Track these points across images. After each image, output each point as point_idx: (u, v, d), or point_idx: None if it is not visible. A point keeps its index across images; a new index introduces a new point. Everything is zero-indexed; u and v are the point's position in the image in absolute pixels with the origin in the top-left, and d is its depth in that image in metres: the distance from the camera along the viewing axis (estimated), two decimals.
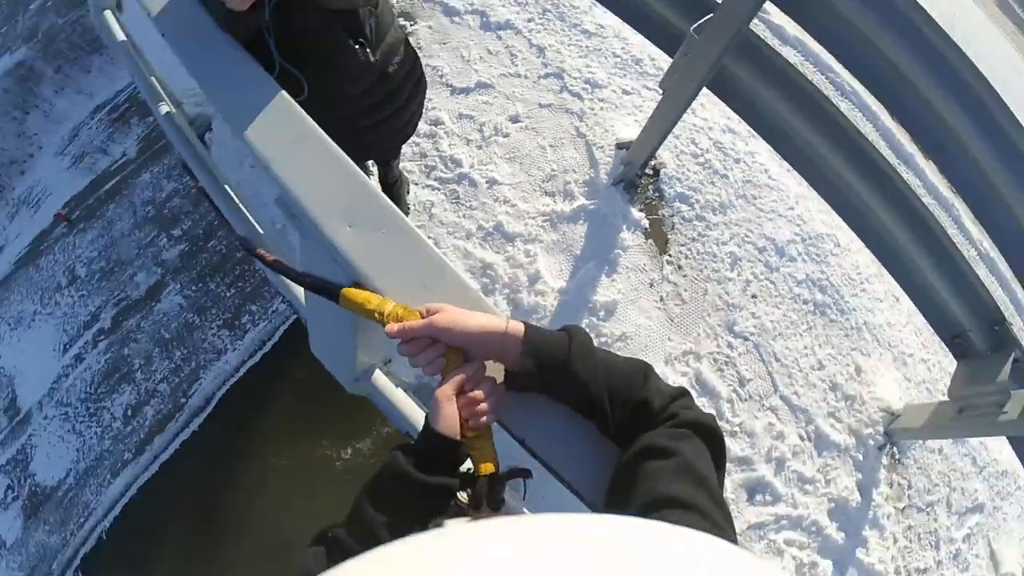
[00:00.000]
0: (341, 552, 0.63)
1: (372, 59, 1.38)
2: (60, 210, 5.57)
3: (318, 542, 0.66)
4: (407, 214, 2.44)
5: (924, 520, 3.03)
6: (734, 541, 0.55)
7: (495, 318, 0.72)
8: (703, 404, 2.57)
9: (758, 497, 2.66)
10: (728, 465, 2.56)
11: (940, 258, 2.43)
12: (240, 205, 1.61)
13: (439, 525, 0.62)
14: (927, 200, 3.00)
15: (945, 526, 3.11)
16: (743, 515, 2.63)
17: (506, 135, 2.55)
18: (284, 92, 1.01)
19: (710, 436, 0.65)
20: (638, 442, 0.63)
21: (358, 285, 0.80)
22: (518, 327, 0.70)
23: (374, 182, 2.37)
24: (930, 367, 3.17)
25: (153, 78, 2.26)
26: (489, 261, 2.36)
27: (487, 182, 2.45)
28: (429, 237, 2.42)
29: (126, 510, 4.65)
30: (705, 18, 1.99)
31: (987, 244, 3.06)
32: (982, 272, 3.09)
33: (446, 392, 0.69)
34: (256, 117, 0.97)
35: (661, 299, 2.53)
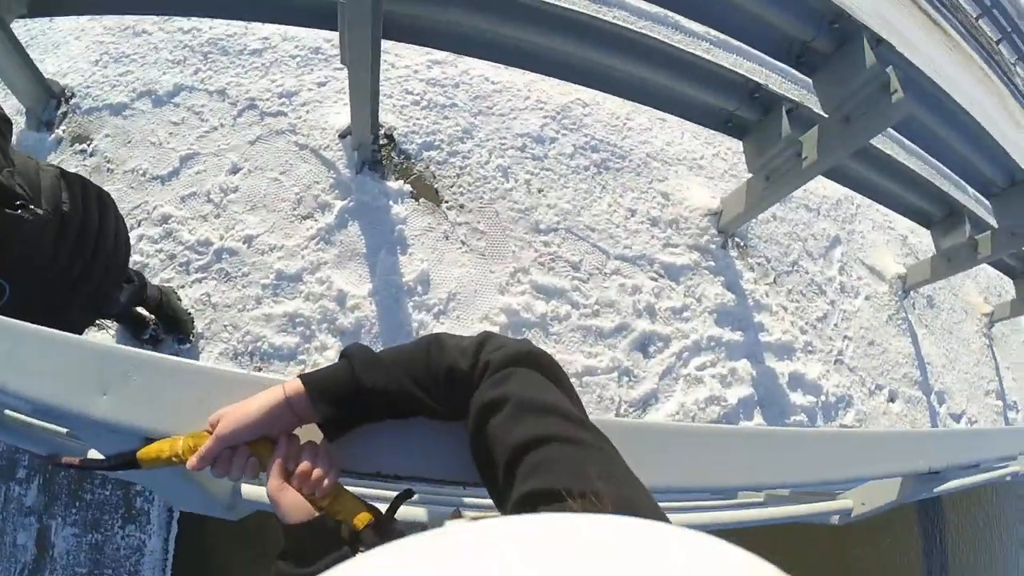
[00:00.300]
0: None
1: (40, 210, 1.31)
2: None
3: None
4: (191, 320, 2.36)
5: (797, 279, 3.29)
6: (609, 452, 0.55)
7: (271, 391, 0.67)
8: (555, 307, 2.65)
9: (651, 348, 2.81)
10: (610, 339, 2.67)
11: (676, 69, 2.54)
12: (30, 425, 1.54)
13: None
14: (638, 25, 3.09)
15: (818, 272, 3.37)
16: (650, 370, 2.77)
17: (235, 189, 2.46)
18: None
19: (531, 360, 0.63)
20: (470, 409, 0.61)
21: (148, 440, 0.77)
22: (295, 384, 0.66)
23: (104, 335, 2.26)
24: (723, 157, 3.36)
25: None
26: (292, 310, 2.32)
27: (244, 242, 2.37)
28: (225, 326, 2.38)
29: None
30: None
31: (714, 33, 3.18)
32: (723, 58, 3.24)
33: (274, 484, 0.66)
34: None
35: (462, 243, 2.57)
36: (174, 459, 0.73)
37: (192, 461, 0.67)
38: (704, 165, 3.30)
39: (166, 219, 2.40)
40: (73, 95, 2.66)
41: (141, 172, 2.49)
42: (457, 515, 0.84)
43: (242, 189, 2.45)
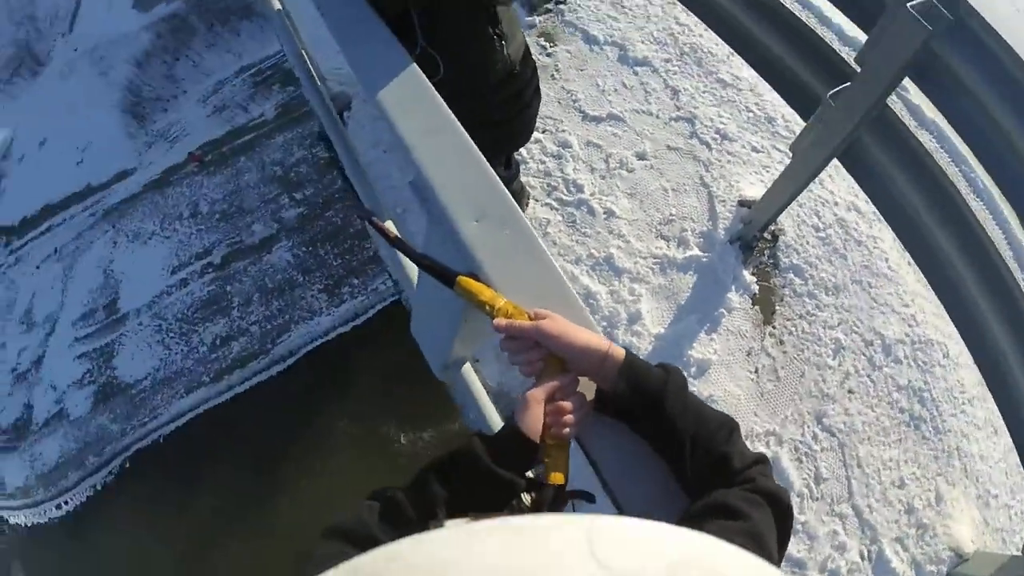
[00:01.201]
0: (396, 512, 0.64)
1: (507, 53, 1.42)
2: (195, 150, 6.14)
3: (375, 498, 0.68)
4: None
5: None
6: None
7: (599, 338, 0.72)
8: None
9: None
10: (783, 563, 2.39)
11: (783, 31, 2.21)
12: (370, 182, 1.68)
13: (439, 525, 0.61)
14: None
15: None
16: None
17: (631, 170, 2.53)
18: (431, 85, 1.05)
19: (782, 512, 0.63)
20: (710, 496, 0.62)
21: (474, 276, 0.82)
22: (620, 351, 0.70)
23: None
24: (1012, 515, 2.82)
25: (304, 51, 2.44)
26: (593, 290, 2.36)
27: (605, 213, 2.46)
28: None
29: (188, 426, 5.03)
30: (843, 86, 1.89)
31: None
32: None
33: (537, 395, 0.70)
34: (402, 105, 1.02)
35: (756, 371, 2.41)
36: (487, 306, 0.76)
37: (501, 322, 0.74)
38: (991, 505, 2.75)
39: (565, 145, 2.52)
40: (565, 1, 2.88)
41: (574, 98, 2.65)
42: None
43: (636, 174, 2.51)
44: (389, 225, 1.11)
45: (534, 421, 0.69)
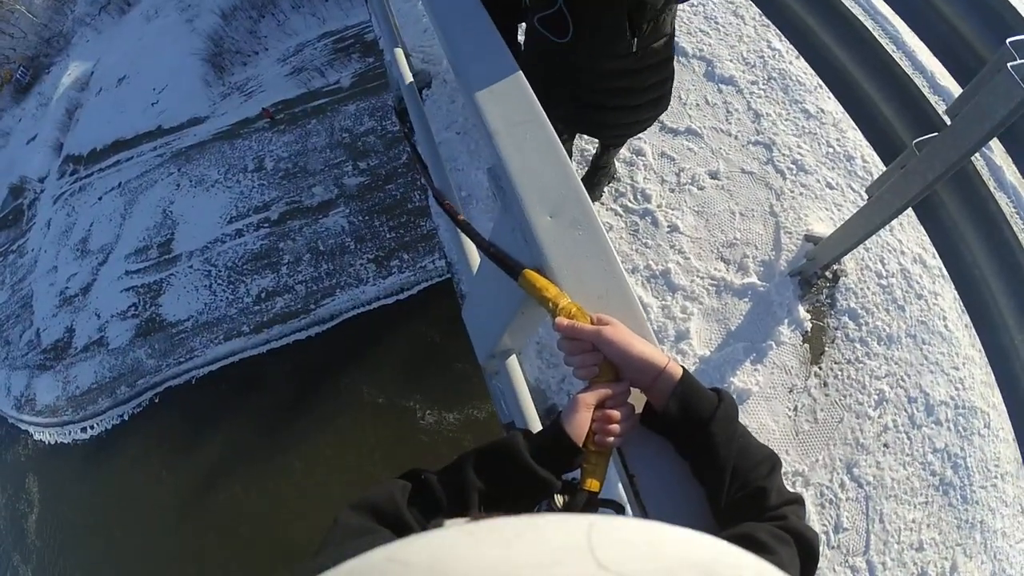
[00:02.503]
0: (428, 495, 0.65)
1: (632, 49, 1.43)
2: (268, 107, 6.31)
3: (408, 478, 0.68)
4: (597, 201, 2.49)
5: None
6: None
7: (659, 352, 0.72)
8: None
9: None
10: None
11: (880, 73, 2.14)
12: (442, 161, 1.71)
13: (438, 524, 0.60)
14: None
15: None
16: None
17: (701, 187, 2.51)
18: (522, 74, 1.05)
19: (808, 555, 0.63)
20: (739, 527, 0.62)
21: (539, 271, 0.82)
22: (677, 370, 0.70)
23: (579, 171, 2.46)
24: None
25: (394, 24, 2.48)
26: (645, 302, 2.35)
27: (669, 226, 2.45)
28: None
29: (221, 371, 5.22)
30: (930, 135, 1.84)
31: None
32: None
33: (588, 400, 0.70)
34: (493, 91, 1.02)
35: (795, 408, 2.37)
36: (551, 303, 0.76)
37: (563, 321, 0.74)
38: None
39: (639, 153, 2.52)
40: None
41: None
42: None
43: (706, 192, 2.48)
44: (454, 208, 1.13)
45: (580, 425, 0.69)
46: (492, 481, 0.66)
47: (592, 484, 0.71)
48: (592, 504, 0.71)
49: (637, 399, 0.74)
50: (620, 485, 0.87)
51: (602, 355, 0.72)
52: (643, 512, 0.73)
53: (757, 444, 0.70)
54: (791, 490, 0.69)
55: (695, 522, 0.70)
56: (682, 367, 0.71)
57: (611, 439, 0.70)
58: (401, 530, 0.60)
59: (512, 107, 0.99)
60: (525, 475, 0.67)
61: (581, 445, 0.69)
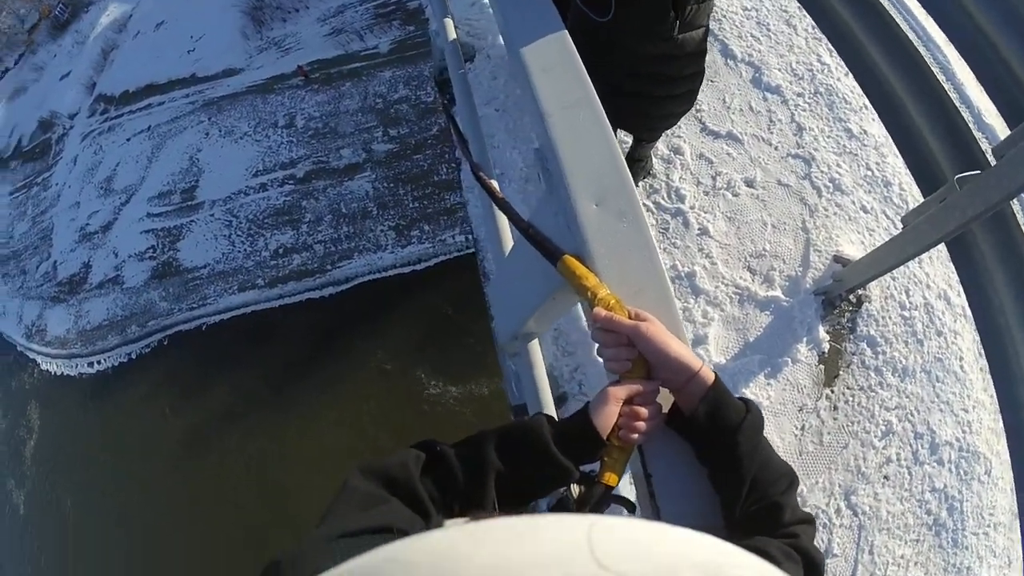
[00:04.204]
0: (444, 468, 0.64)
1: (675, 33, 1.42)
2: (304, 65, 6.30)
3: (422, 448, 0.67)
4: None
5: None
6: None
7: (693, 355, 0.72)
8: None
9: None
10: None
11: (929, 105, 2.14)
12: (483, 135, 1.69)
13: (439, 524, 0.59)
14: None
15: None
16: None
17: (736, 194, 2.49)
18: (579, 58, 1.01)
19: (813, 574, 0.63)
20: (750, 540, 0.62)
21: (578, 258, 0.81)
22: (709, 375, 0.70)
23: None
24: None
25: None
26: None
27: (699, 229, 2.44)
28: None
29: (233, 321, 5.28)
30: (973, 173, 1.80)
31: None
32: None
33: (618, 394, 0.70)
34: (548, 71, 0.99)
35: (802, 428, 2.35)
36: (590, 294, 0.75)
37: (601, 312, 0.73)
38: None
39: (677, 151, 2.50)
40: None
41: (698, 107, 2.63)
42: None
43: (740, 200, 2.46)
44: (493, 185, 1.11)
45: (608, 418, 0.69)
46: (511, 463, 0.66)
47: (611, 478, 0.70)
48: (606, 498, 0.71)
49: (665, 399, 0.73)
50: (630, 483, 0.86)
51: (636, 351, 0.71)
52: (655, 513, 0.72)
53: (778, 459, 0.70)
54: (806, 511, 0.69)
55: (706, 529, 0.70)
56: (715, 373, 0.70)
57: (636, 436, 0.70)
58: (412, 501, 0.60)
59: (566, 88, 0.96)
60: (545, 461, 0.66)
61: (605, 438, 0.69)
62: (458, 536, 0.24)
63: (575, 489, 0.74)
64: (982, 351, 2.60)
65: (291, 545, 0.48)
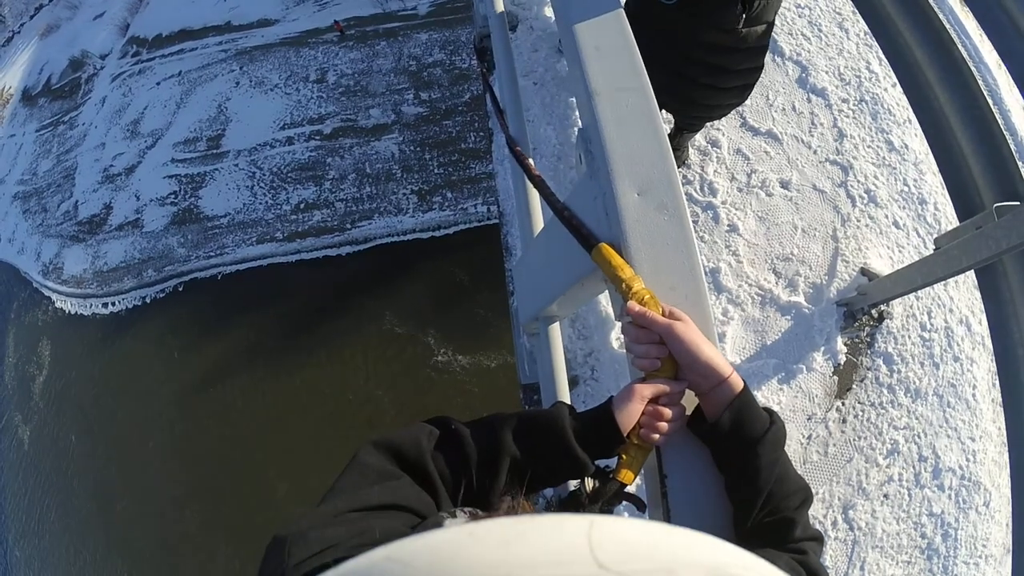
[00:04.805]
0: (457, 448, 0.64)
1: (739, 26, 1.39)
2: (340, 21, 6.22)
3: (436, 424, 0.66)
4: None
5: None
6: None
7: (724, 361, 0.70)
8: None
9: None
10: None
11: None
12: (521, 106, 1.66)
13: (438, 524, 0.57)
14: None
15: None
16: None
17: (769, 194, 2.45)
18: (635, 41, 0.97)
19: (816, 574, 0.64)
20: (760, 552, 0.61)
21: (614, 247, 0.79)
22: (738, 383, 0.69)
23: None
24: None
25: None
26: None
27: (729, 226, 2.41)
28: None
29: (250, 272, 5.32)
30: (1013, 203, 1.75)
31: None
32: None
33: (644, 392, 0.69)
34: (602, 50, 0.95)
35: (808, 437, 2.34)
36: (624, 285, 0.73)
37: (635, 306, 0.71)
38: None
39: (714, 144, 2.46)
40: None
41: (743, 104, 2.55)
42: None
43: (773, 200, 2.43)
44: (529, 160, 1.07)
45: (631, 415, 0.68)
46: (527, 451, 0.65)
47: (626, 476, 0.70)
48: (619, 496, 0.71)
49: (689, 401, 0.72)
50: (639, 481, 0.86)
51: (667, 349, 0.69)
52: (666, 514, 0.71)
53: (795, 474, 0.70)
54: (816, 529, 0.69)
55: (716, 535, 0.70)
56: (743, 381, 0.69)
57: (657, 436, 0.69)
58: (422, 479, 0.60)
59: (618, 70, 0.92)
60: (563, 453, 0.66)
61: (625, 435, 0.68)
62: (458, 536, 0.24)
63: (588, 483, 0.74)
64: (996, 382, 2.57)
65: (295, 519, 0.47)
